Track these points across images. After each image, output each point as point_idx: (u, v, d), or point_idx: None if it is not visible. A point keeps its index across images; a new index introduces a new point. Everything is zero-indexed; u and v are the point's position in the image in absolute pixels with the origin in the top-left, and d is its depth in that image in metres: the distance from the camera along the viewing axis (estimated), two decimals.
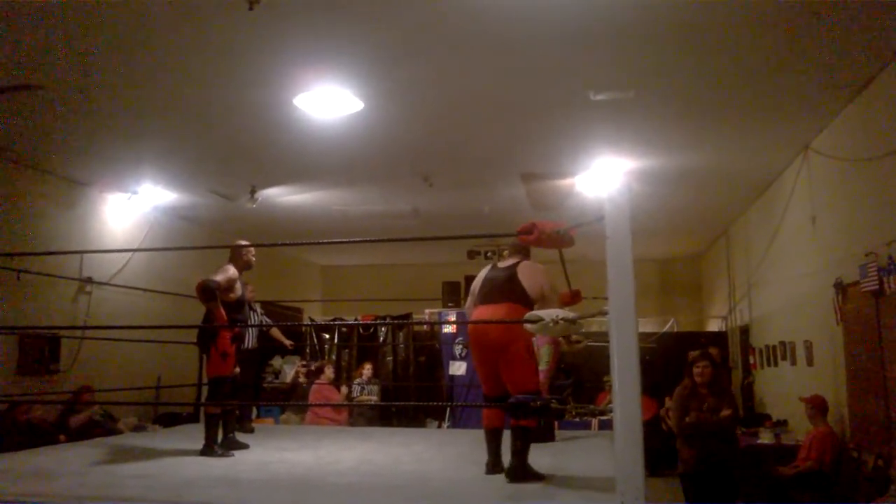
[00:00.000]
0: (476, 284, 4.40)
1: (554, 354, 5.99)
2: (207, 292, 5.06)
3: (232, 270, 5.32)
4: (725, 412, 5.91)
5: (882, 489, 5.14)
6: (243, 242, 5.52)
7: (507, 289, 4.15)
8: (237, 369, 5.53)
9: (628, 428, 2.89)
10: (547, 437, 5.63)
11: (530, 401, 3.82)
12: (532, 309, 3.98)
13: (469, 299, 4.52)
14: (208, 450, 5.06)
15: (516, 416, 3.96)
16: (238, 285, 5.38)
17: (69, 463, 4.68)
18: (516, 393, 3.99)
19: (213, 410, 5.14)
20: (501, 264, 4.39)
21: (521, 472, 3.91)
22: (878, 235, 5.34)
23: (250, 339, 6.65)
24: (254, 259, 5.54)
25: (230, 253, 5.53)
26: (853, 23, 4.58)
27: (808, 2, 4.35)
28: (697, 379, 6.01)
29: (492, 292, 4.22)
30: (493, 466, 4.16)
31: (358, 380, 9.47)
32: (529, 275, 4.20)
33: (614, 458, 2.96)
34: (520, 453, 3.94)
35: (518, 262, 4.31)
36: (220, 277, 5.19)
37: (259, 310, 6.92)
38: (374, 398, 9.31)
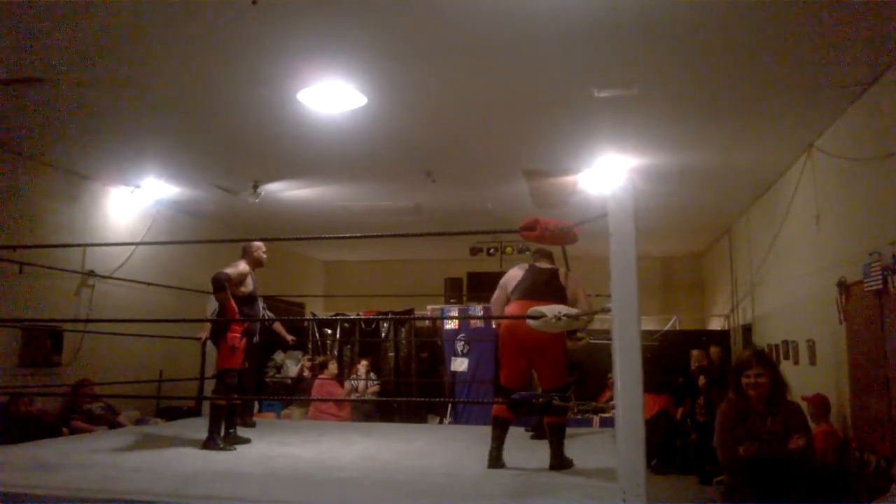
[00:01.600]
0: (510, 280, 4.55)
1: None
2: (215, 283, 5.27)
3: (243, 265, 5.51)
4: (798, 441, 4.14)
5: (884, 488, 5.13)
6: (255, 240, 5.73)
7: (551, 287, 4.38)
8: (247, 363, 5.60)
9: (630, 425, 2.89)
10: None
11: (533, 398, 3.87)
12: None
13: (498, 292, 4.62)
14: (211, 443, 5.08)
15: (519, 413, 4.13)
16: (249, 280, 5.53)
17: (71, 456, 4.69)
18: (547, 388, 4.27)
19: (219, 403, 5.21)
20: (540, 265, 4.60)
21: (560, 463, 4.32)
22: (883, 235, 5.33)
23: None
24: (265, 256, 5.73)
25: (242, 250, 5.71)
26: (859, 21, 4.56)
27: (814, 1, 4.34)
28: (750, 392, 4.29)
29: (534, 289, 4.40)
30: (496, 461, 4.26)
31: (353, 377, 9.48)
32: (567, 279, 4.48)
33: (616, 454, 2.96)
34: (557, 448, 4.33)
35: (554, 267, 4.58)
36: (229, 270, 5.37)
37: (261, 304, 6.93)
38: (368, 384, 9.32)
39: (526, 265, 4.63)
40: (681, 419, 9.58)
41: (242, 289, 5.46)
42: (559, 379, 4.35)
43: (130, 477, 3.98)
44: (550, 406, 3.92)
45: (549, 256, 4.74)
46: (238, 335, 5.34)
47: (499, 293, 4.61)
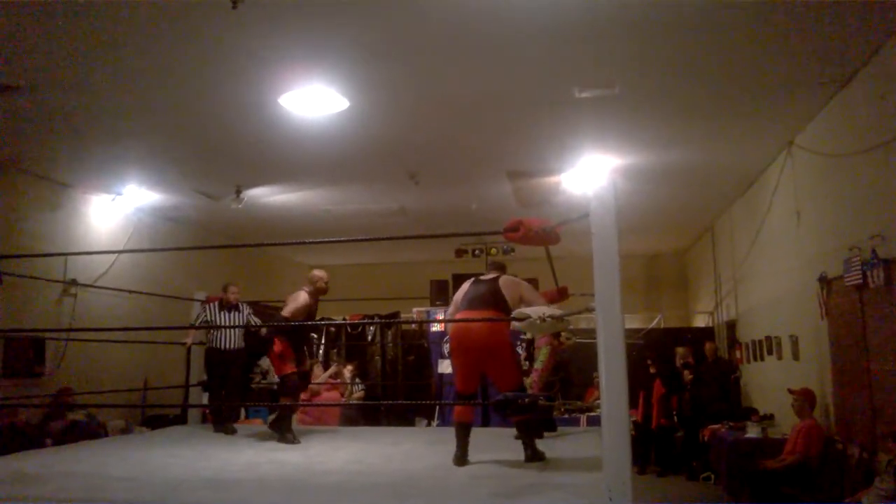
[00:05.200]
0: (459, 295, 4.75)
1: (550, 355, 6.06)
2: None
3: (303, 298, 5.88)
4: None
5: (867, 481, 5.19)
6: (318, 272, 6.10)
7: (489, 298, 4.51)
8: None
9: (616, 424, 2.90)
10: (550, 427, 5.86)
11: (519, 398, 3.90)
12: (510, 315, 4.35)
13: (451, 308, 4.85)
14: (283, 439, 5.68)
15: (504, 415, 4.19)
16: (307, 309, 5.89)
17: (54, 466, 4.64)
18: (504, 390, 4.31)
19: (286, 402, 5.99)
20: (483, 278, 4.76)
21: (533, 456, 4.46)
22: (862, 230, 5.39)
23: (233, 340, 6.64)
24: (327, 285, 6.08)
25: (307, 279, 6.09)
26: (835, 19, 4.62)
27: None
28: None
29: (475, 300, 4.56)
30: (461, 459, 4.39)
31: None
32: (508, 286, 4.57)
33: (602, 454, 2.97)
34: (529, 443, 4.49)
35: (499, 276, 4.68)
36: (287, 312, 5.88)
37: (246, 310, 6.90)
38: (352, 390, 9.30)
39: (472, 279, 4.82)
40: (667, 417, 9.62)
41: (300, 317, 5.86)
42: (513, 379, 4.48)
43: (115, 486, 3.94)
44: (537, 406, 3.95)
45: (499, 268, 4.90)
46: (284, 345, 5.86)
47: (451, 308, 4.85)
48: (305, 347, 6.48)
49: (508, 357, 4.53)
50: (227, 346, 6.66)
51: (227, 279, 7.18)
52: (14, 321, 7.24)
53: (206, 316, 6.72)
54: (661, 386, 9.33)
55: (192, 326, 6.91)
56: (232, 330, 6.64)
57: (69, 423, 7.25)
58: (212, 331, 6.67)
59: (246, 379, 9.74)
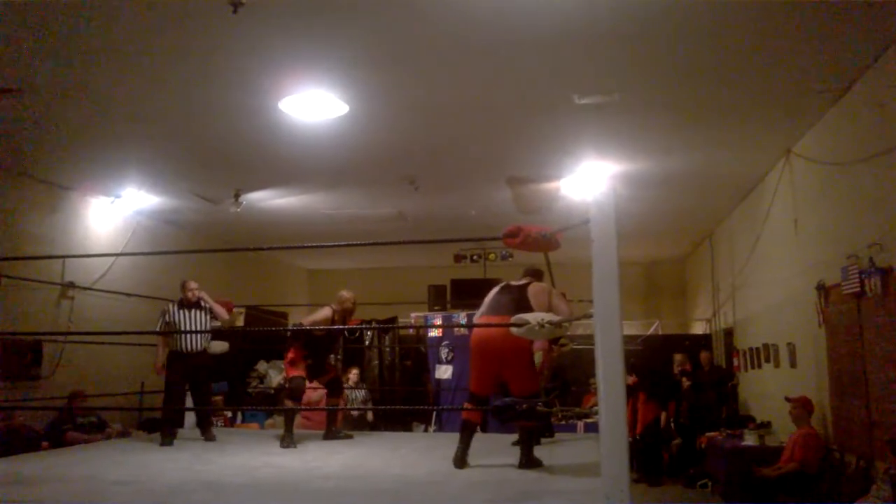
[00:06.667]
0: (486, 299, 4.71)
1: (544, 360, 6.06)
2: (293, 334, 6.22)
3: (324, 313, 6.08)
4: None
5: (864, 489, 5.19)
6: (345, 293, 6.20)
7: (511, 305, 4.43)
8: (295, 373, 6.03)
9: (614, 430, 2.90)
10: (546, 433, 5.89)
11: (516, 404, 3.90)
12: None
13: (479, 310, 4.80)
14: (284, 442, 5.72)
15: (501, 420, 4.17)
16: (325, 323, 6.06)
17: (51, 470, 4.63)
18: (518, 395, 4.33)
19: (287, 406, 6.08)
20: (514, 283, 4.70)
21: (528, 462, 4.47)
22: (860, 238, 5.40)
23: (197, 341, 6.30)
24: (354, 306, 6.22)
25: (335, 298, 6.24)
26: (835, 27, 4.64)
27: (790, 6, 4.40)
28: None
29: (498, 306, 4.54)
30: (461, 459, 4.44)
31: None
32: (537, 294, 4.50)
33: (600, 460, 2.97)
34: (526, 448, 4.51)
35: (529, 283, 4.63)
36: (306, 321, 6.24)
37: (216, 308, 6.52)
38: (360, 398, 9.29)
39: (503, 284, 4.78)
40: (664, 424, 9.63)
41: (318, 331, 6.04)
42: (529, 386, 4.45)
43: (112, 490, 3.94)
44: (534, 412, 3.95)
45: (533, 274, 4.80)
46: (295, 353, 6.02)
47: (479, 312, 4.83)
48: (330, 358, 6.64)
49: (526, 363, 4.50)
50: (191, 347, 6.25)
51: (184, 277, 6.78)
52: (12, 324, 7.23)
53: (167, 318, 6.32)
54: (645, 391, 9.27)
55: (177, 332, 6.26)
56: (195, 328, 6.27)
57: (80, 426, 7.21)
58: (174, 332, 6.24)
59: (243, 383, 9.69)
